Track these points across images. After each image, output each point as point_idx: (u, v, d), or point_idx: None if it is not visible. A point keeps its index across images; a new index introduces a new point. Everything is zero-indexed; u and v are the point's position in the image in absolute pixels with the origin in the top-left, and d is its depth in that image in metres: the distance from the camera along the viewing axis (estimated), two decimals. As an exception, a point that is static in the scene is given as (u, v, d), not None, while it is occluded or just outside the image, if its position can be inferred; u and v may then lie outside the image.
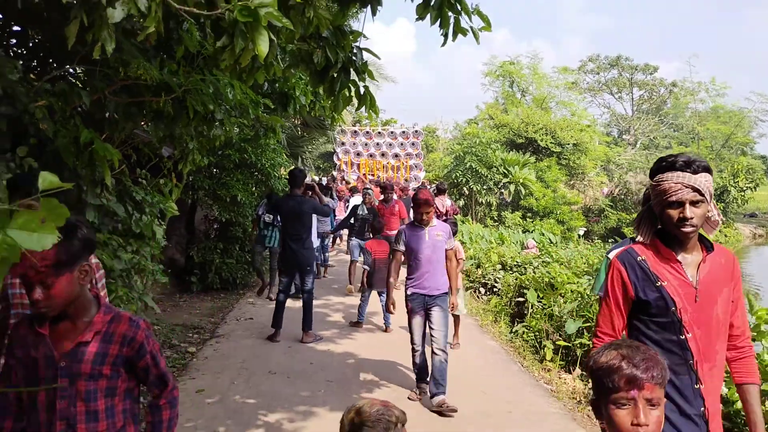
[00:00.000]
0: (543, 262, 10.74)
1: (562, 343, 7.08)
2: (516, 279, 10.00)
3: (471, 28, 3.66)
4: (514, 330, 8.36)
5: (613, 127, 54.96)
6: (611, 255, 3.93)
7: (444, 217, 10.83)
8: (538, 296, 8.58)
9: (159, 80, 4.29)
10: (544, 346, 7.30)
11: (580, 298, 7.68)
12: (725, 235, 29.07)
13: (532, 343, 7.74)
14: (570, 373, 6.75)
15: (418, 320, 5.44)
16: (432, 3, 3.61)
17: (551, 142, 24.94)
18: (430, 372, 5.41)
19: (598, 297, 7.42)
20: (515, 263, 11.03)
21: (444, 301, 5.47)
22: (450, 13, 3.64)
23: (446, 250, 5.52)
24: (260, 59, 2.35)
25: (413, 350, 5.53)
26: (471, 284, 11.55)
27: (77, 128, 4.17)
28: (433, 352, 5.31)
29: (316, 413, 5.05)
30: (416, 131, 25.14)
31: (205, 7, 2.41)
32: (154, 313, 7.81)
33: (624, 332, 2.42)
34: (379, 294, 8.13)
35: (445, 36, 3.68)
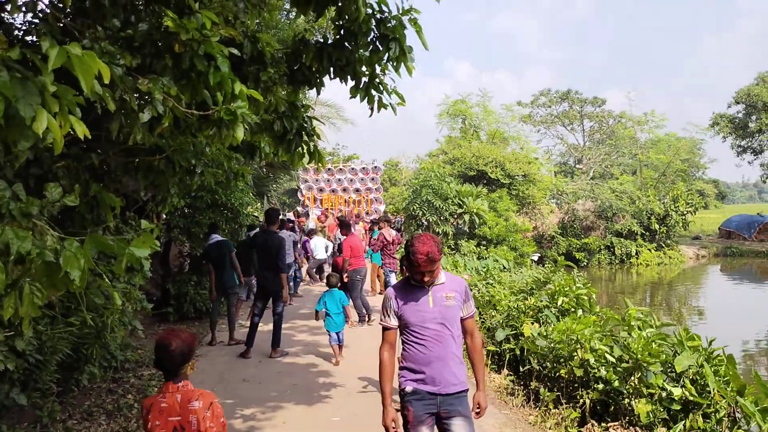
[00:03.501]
0: (487, 283, 12.08)
1: (492, 348, 8.33)
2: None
3: (390, 104, 4.97)
4: (456, 342, 9.59)
5: (569, 156, 57.50)
6: None
7: (391, 246, 12.06)
8: (479, 313, 9.88)
9: (153, 143, 5.50)
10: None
11: (510, 311, 8.98)
12: (669, 257, 30.93)
13: (471, 353, 8.98)
14: (499, 373, 8.00)
15: None
16: (361, 86, 4.92)
17: (501, 174, 26.60)
18: None
19: (526, 309, 8.76)
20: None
21: (464, 403, 3.71)
22: (374, 93, 4.95)
23: (464, 320, 3.76)
24: (237, 143, 3.58)
25: None
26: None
27: (87, 182, 5.33)
28: None
29: (284, 407, 6.21)
30: (375, 167, 26.58)
31: (196, 109, 3.65)
32: (138, 337, 8.88)
33: None
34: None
35: (372, 109, 4.99)
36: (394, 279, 12.15)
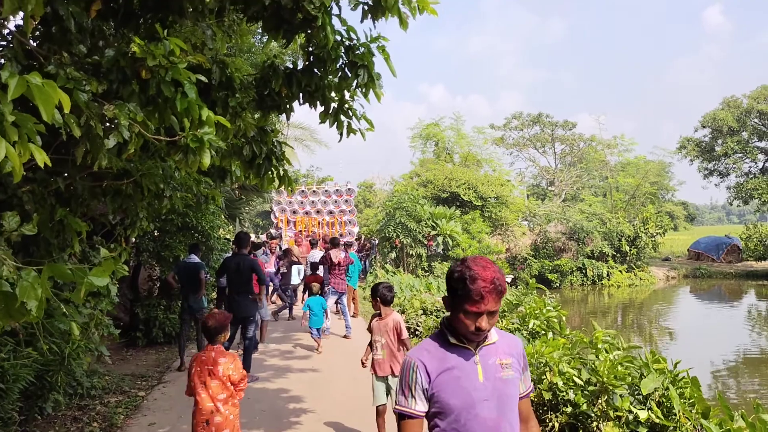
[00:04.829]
0: (459, 306, 12.12)
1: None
2: (434, 321, 11.30)
3: (359, 129, 5.01)
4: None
5: (541, 179, 58.27)
6: None
7: (337, 267, 12.17)
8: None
9: (120, 167, 5.46)
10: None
11: (481, 335, 9.00)
12: (640, 278, 31.36)
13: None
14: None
15: None
16: (330, 111, 4.96)
17: (474, 196, 26.83)
18: None
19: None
20: (435, 308, 12.37)
21: None
22: (343, 118, 4.99)
23: (520, 399, 2.54)
24: (204, 168, 3.58)
25: None
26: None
27: (53, 207, 5.26)
28: None
29: (252, 434, 6.12)
30: (349, 189, 26.62)
31: (165, 134, 3.65)
32: (105, 363, 8.72)
33: None
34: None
35: (341, 134, 5.03)
36: (331, 301, 12.20)
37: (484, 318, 2.27)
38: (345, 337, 11.76)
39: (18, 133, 2.09)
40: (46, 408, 6.47)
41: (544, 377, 6.21)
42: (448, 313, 2.45)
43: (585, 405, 5.72)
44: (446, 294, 2.42)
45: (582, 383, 5.89)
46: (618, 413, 5.50)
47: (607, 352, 6.24)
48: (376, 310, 6.11)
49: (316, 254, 14.42)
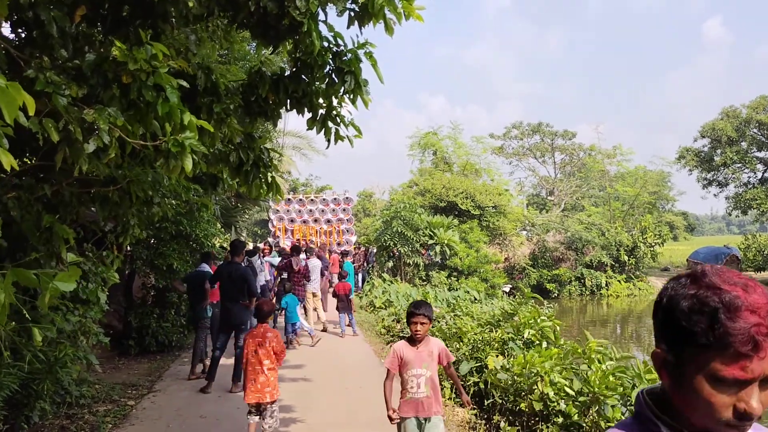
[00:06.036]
0: (455, 315, 12.04)
1: (456, 382, 8.25)
2: (429, 331, 11.22)
3: (347, 136, 4.98)
4: (422, 375, 9.51)
5: (540, 188, 58.28)
6: None
7: (296, 275, 12.46)
8: (446, 344, 9.81)
9: (107, 174, 5.42)
10: (443, 386, 8.47)
11: (475, 344, 8.94)
12: (639, 288, 31.26)
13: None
14: (463, 407, 7.91)
15: None
16: (318, 118, 4.93)
17: (472, 206, 26.79)
18: None
19: (491, 341, 8.72)
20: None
21: None
22: (331, 125, 4.96)
23: None
24: (187, 173, 3.54)
25: None
26: (392, 339, 12.70)
27: (39, 213, 5.22)
28: None
29: (240, 444, 6.04)
30: (347, 198, 26.58)
31: (149, 139, 3.61)
32: (96, 372, 8.65)
33: None
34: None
35: (328, 141, 4.99)
36: (300, 309, 12.50)
37: (755, 391, 1.13)
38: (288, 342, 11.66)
39: (-18, 135, 2.05)
40: (32, 417, 6.39)
41: (535, 387, 6.14)
42: (652, 383, 1.52)
43: (576, 415, 5.66)
44: (659, 344, 1.26)
45: (574, 393, 5.83)
46: (609, 424, 5.43)
47: (599, 362, 6.18)
48: (419, 334, 4.66)
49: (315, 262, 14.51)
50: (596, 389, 5.49)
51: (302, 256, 12.90)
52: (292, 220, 25.84)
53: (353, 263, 19.75)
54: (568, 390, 5.84)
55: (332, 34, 4.56)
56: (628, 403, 5.67)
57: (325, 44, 4.54)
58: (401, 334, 12.50)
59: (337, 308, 13.45)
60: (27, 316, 3.23)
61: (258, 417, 5.95)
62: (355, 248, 23.83)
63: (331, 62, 4.63)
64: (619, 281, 30.73)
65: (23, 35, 4.28)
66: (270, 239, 25.74)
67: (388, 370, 4.72)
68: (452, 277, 23.48)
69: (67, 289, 2.16)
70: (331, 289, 15.76)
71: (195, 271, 9.81)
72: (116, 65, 3.49)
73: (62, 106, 3.24)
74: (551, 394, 5.90)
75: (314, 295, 13.60)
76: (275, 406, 5.97)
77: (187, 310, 10.44)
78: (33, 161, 5.63)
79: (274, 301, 12.43)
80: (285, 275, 12.85)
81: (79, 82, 3.56)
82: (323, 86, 4.77)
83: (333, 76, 4.68)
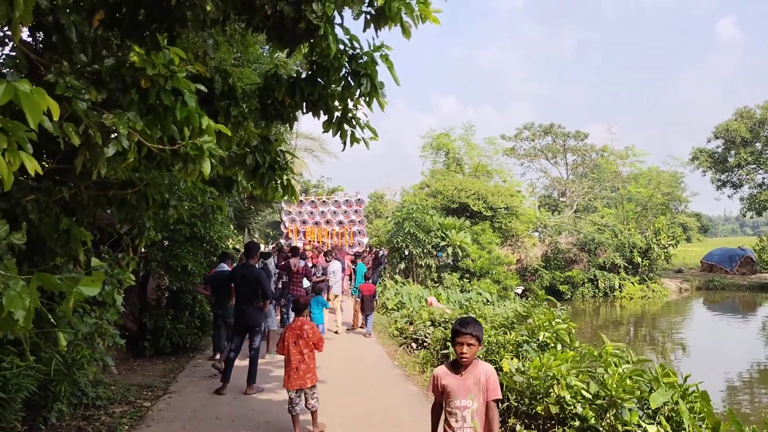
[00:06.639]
0: (468, 317, 12.02)
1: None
2: (442, 333, 11.19)
3: (363, 138, 4.98)
4: (436, 377, 9.49)
5: (552, 189, 58.02)
6: None
7: (296, 276, 12.42)
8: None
9: (125, 177, 5.45)
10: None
11: (490, 346, 8.90)
12: (652, 290, 31.04)
13: (450, 388, 8.87)
14: None
15: None
16: (333, 120, 4.94)
17: (484, 207, 26.72)
18: None
19: (506, 344, 8.70)
20: (443, 319, 12.27)
21: None
22: (347, 127, 4.96)
23: None
24: (205, 177, 3.55)
25: None
26: (404, 340, 12.69)
27: (57, 216, 5.25)
28: None
29: (256, 446, 6.06)
30: (359, 199, 26.59)
31: (167, 143, 3.63)
32: (111, 373, 8.70)
33: None
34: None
35: (344, 143, 4.99)
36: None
37: None
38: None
39: (7, 140, 2.07)
40: (50, 418, 6.44)
41: (552, 390, 6.11)
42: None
43: (593, 419, 5.61)
44: None
45: (590, 397, 5.79)
46: (627, 428, 5.39)
47: (616, 365, 6.14)
48: (465, 358, 3.89)
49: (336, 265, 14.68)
50: (613, 392, 5.45)
51: (323, 258, 13.10)
52: (304, 222, 25.89)
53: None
54: (584, 393, 5.80)
55: (348, 37, 4.57)
56: (645, 407, 5.63)
57: (341, 47, 4.55)
58: (414, 336, 12.48)
59: (362, 309, 13.64)
60: (52, 320, 3.23)
61: (301, 404, 6.53)
62: (365, 251, 23.80)
63: (347, 65, 4.64)
64: (632, 283, 30.52)
65: (41, 39, 4.32)
66: (282, 241, 25.79)
67: (435, 399, 4.09)
68: (464, 279, 23.43)
69: (92, 294, 2.18)
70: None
71: (216, 272, 10.08)
72: (134, 70, 3.51)
73: (82, 111, 3.26)
74: (568, 397, 5.86)
75: (336, 297, 13.69)
76: (315, 390, 6.57)
77: (211, 309, 10.70)
78: (51, 164, 5.68)
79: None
80: (285, 278, 12.88)
81: (98, 86, 3.58)
82: (339, 89, 4.78)
83: (349, 78, 4.69)
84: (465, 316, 4.42)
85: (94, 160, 3.43)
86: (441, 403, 4.02)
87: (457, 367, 3.94)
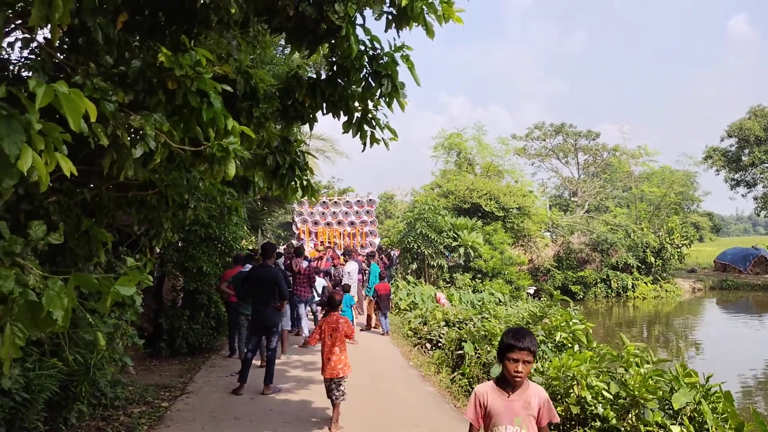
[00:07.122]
0: (482, 317, 11.99)
1: (488, 385, 8.21)
2: (457, 333, 11.17)
3: (383, 138, 4.98)
4: (452, 378, 9.48)
5: (563, 189, 57.77)
6: None
7: (300, 277, 12.38)
8: (475, 347, 9.77)
9: (146, 178, 5.48)
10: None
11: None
12: (666, 290, 30.85)
13: (466, 388, 8.86)
14: None
15: None
16: (353, 121, 4.94)
17: (496, 207, 26.66)
18: None
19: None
20: (457, 319, 12.25)
21: None
22: (367, 128, 4.96)
23: None
24: (228, 178, 3.57)
25: None
26: (419, 341, 12.68)
27: (78, 217, 5.28)
28: None
29: (275, 446, 6.07)
30: (370, 200, 26.58)
31: (189, 144, 3.64)
32: (129, 373, 8.75)
33: None
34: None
35: (364, 144, 5.00)
36: (302, 309, 12.63)
37: None
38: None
39: (44, 142, 2.08)
40: (70, 418, 6.48)
41: (572, 391, 6.08)
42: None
43: (614, 419, 5.59)
44: None
45: (611, 397, 5.76)
46: (648, 428, 5.36)
47: (637, 365, 6.10)
48: (520, 377, 3.33)
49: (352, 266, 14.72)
50: (636, 393, 5.42)
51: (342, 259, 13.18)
52: (315, 223, 25.92)
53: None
54: (605, 393, 5.77)
55: (369, 37, 4.57)
56: (667, 407, 5.60)
57: (362, 48, 4.55)
58: (428, 336, 12.47)
59: (378, 308, 13.76)
60: (90, 320, 3.25)
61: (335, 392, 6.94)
62: (382, 249, 23.77)
63: (367, 66, 4.64)
64: (645, 283, 30.34)
65: (67, 41, 4.35)
66: (294, 241, 25.83)
67: (471, 425, 3.45)
68: (476, 279, 23.38)
69: (128, 294, 2.19)
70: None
71: (241, 272, 10.24)
72: (160, 71, 3.53)
73: (110, 112, 3.28)
74: (588, 397, 5.83)
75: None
76: (343, 381, 6.95)
77: (226, 309, 10.98)
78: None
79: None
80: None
81: (125, 88, 3.61)
82: (359, 90, 4.78)
83: (369, 79, 4.70)
84: (517, 326, 3.82)
85: (122, 162, 3.45)
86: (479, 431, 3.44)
87: (505, 386, 3.39)
